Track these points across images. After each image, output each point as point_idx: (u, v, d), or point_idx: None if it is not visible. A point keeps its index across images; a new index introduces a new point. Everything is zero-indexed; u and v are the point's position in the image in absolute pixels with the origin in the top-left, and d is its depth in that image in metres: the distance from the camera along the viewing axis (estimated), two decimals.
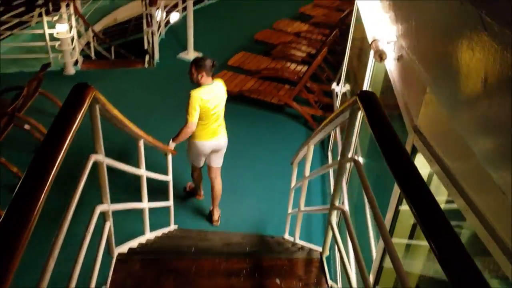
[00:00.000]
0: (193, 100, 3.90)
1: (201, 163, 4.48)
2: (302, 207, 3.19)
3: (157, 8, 7.98)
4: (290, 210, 4.04)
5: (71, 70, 7.67)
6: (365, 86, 3.41)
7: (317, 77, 7.16)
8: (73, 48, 7.73)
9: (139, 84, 7.58)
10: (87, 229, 1.89)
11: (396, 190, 1.96)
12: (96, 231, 2.03)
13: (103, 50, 9.87)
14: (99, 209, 2.06)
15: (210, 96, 3.98)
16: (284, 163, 5.60)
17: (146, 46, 8.16)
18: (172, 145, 4.13)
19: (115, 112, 2.11)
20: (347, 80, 5.28)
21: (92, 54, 8.87)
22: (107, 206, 2.19)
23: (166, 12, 9.30)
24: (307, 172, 3.02)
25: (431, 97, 1.90)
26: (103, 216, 2.23)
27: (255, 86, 6.84)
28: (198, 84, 4.00)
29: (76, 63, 7.91)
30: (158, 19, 8.18)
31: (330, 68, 7.58)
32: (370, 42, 2.76)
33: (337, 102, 5.44)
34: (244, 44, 9.05)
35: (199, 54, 8.44)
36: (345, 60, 5.33)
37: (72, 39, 7.60)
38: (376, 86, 3.29)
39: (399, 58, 2.46)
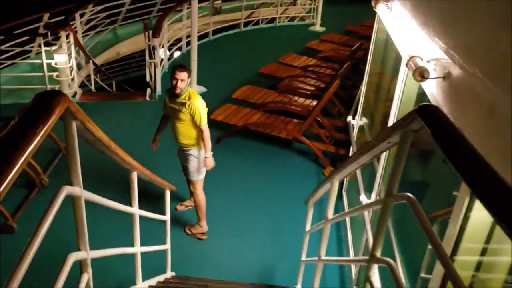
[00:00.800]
0: (203, 104, 4.08)
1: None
2: (323, 256, 2.70)
3: (160, 45, 7.76)
4: (303, 257, 3.53)
5: None
6: (394, 112, 3.00)
7: (327, 111, 6.78)
8: (72, 79, 7.42)
9: (139, 117, 7.21)
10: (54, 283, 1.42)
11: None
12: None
13: (105, 84, 9.60)
14: (72, 257, 1.58)
15: None
16: (293, 202, 5.13)
17: (148, 79, 7.86)
18: (209, 154, 4.21)
19: (99, 133, 1.67)
20: (364, 113, 4.89)
21: (93, 88, 8.57)
22: (85, 254, 1.71)
23: (169, 47, 9.09)
24: (330, 214, 2.55)
25: (504, 119, 1.47)
26: (79, 266, 1.75)
27: (261, 120, 6.45)
28: (176, 91, 4.03)
29: (74, 95, 7.58)
30: (161, 53, 7.93)
31: (341, 102, 7.22)
32: (405, 61, 2.37)
33: (354, 136, 5.02)
34: (249, 78, 8.76)
35: (203, 88, 8.13)
36: (361, 91, 4.96)
37: (71, 70, 7.31)
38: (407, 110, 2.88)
39: (446, 76, 2.05)
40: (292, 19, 12.96)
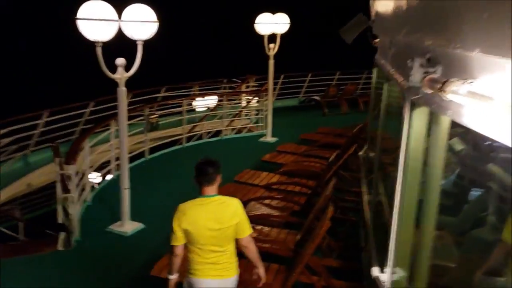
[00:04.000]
0: (174, 216, 3.14)
1: None
2: None
3: (77, 173, 5.84)
4: None
5: None
6: None
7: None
8: None
9: (47, 282, 4.92)
10: None
11: None
12: None
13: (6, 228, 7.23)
14: None
15: (201, 215, 3.11)
16: None
17: (60, 219, 5.71)
18: (172, 277, 3.28)
19: None
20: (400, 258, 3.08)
21: None
22: None
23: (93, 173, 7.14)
24: None
25: None
26: None
27: None
28: None
29: None
30: (77, 181, 5.93)
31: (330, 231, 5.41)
32: None
33: None
34: None
35: (139, 225, 6.08)
36: (394, 223, 3.13)
37: None
38: None
39: None
40: (239, 131, 11.69)
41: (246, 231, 3.25)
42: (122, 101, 5.85)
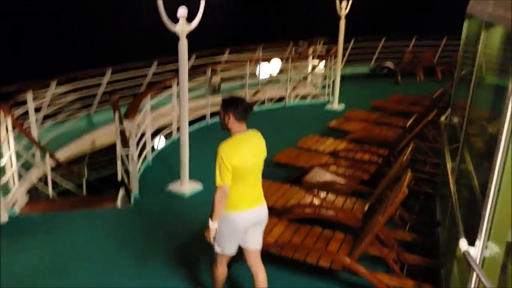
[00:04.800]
0: (222, 155, 3.05)
1: (235, 248, 3.32)
2: None
3: (137, 129, 5.68)
4: None
5: (2, 217, 5.03)
6: None
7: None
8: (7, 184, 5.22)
9: (105, 237, 4.87)
10: None
11: None
12: None
13: (73, 185, 7.36)
14: None
15: (246, 149, 3.14)
16: None
17: (120, 177, 5.64)
18: (212, 225, 3.16)
19: None
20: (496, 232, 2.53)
21: (50, 192, 6.34)
22: None
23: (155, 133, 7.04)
24: None
25: None
26: None
27: (285, 236, 4.10)
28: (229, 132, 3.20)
29: (14, 205, 5.32)
30: (136, 139, 5.78)
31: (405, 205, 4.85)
32: None
33: (472, 283, 2.56)
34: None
35: (197, 185, 5.88)
36: (491, 189, 2.55)
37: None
38: None
39: None
40: (303, 98, 11.15)
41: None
42: (184, 55, 5.55)
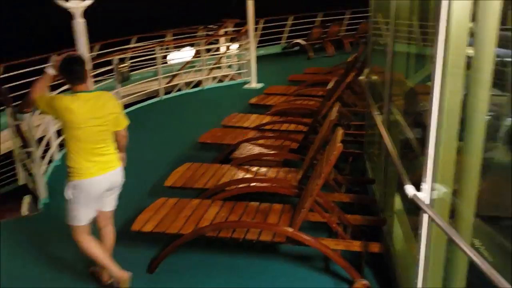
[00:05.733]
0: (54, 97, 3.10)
1: (91, 215, 3.21)
2: None
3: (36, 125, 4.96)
4: None
5: None
6: None
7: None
8: None
9: (12, 248, 4.18)
10: None
11: None
12: None
13: None
14: None
15: (85, 108, 2.99)
16: None
17: (22, 181, 4.90)
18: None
19: None
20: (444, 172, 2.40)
21: None
22: None
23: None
24: None
25: None
26: None
27: (221, 217, 3.77)
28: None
29: None
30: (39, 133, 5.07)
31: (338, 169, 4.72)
32: None
33: (424, 226, 2.42)
34: (185, 153, 6.15)
35: None
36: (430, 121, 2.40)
37: None
38: None
39: None
40: (221, 81, 10.83)
41: (124, 122, 3.30)
42: (81, 38, 4.95)
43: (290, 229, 3.36)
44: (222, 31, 11.74)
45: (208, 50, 11.05)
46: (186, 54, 11.49)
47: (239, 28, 11.67)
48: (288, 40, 14.28)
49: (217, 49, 11.41)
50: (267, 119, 6.57)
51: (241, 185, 4.28)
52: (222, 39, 11.46)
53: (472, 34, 2.25)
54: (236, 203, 3.97)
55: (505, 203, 2.75)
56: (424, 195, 2.45)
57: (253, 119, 6.61)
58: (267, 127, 6.17)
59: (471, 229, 2.48)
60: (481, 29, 2.20)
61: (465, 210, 2.49)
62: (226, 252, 3.84)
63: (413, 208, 2.58)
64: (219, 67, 10.93)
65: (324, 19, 14.75)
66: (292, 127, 6.11)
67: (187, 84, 10.42)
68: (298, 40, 13.77)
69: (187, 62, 10.81)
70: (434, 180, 2.48)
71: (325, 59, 12.97)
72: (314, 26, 14.11)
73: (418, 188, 2.51)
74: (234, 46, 11.19)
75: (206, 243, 3.87)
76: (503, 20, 2.29)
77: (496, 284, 1.59)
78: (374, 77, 5.23)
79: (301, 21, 14.37)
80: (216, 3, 19.73)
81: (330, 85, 6.71)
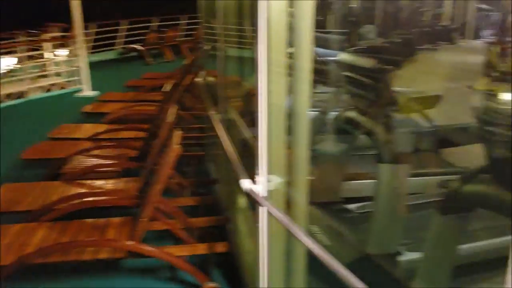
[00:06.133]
0: None
1: None
2: None
3: None
4: None
5: None
6: None
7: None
8: None
9: None
10: None
11: None
12: None
13: None
14: None
15: None
16: None
17: None
18: None
19: None
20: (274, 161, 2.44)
21: None
22: None
23: None
24: None
25: None
26: None
27: (50, 240, 3.32)
28: None
29: None
30: None
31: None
32: None
33: (263, 219, 2.46)
34: (4, 174, 5.33)
35: None
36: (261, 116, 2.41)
37: None
38: None
39: None
40: (49, 91, 9.79)
41: None
42: None
43: (130, 242, 3.11)
44: (48, 36, 10.63)
45: (31, 57, 9.90)
46: (4, 63, 10.09)
47: (67, 34, 10.74)
48: (125, 46, 13.71)
49: (42, 56, 10.29)
50: (103, 127, 6.09)
51: (73, 202, 3.83)
52: (47, 45, 10.36)
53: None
54: (69, 223, 3.54)
55: (332, 188, 2.97)
56: (259, 188, 2.49)
57: (87, 129, 6.07)
58: (104, 136, 5.72)
59: (306, 217, 2.59)
60: (299, 29, 2.31)
61: (299, 199, 2.60)
62: (63, 277, 3.40)
63: (254, 203, 2.60)
64: (45, 76, 9.86)
65: (161, 24, 14.56)
66: (131, 134, 5.77)
67: (8, 96, 9.14)
68: (135, 46, 13.31)
69: (8, 72, 9.50)
70: (269, 172, 2.54)
71: (164, 64, 12.79)
72: (150, 31, 13.80)
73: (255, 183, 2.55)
74: (62, 52, 10.23)
75: (39, 272, 3.37)
76: (324, 24, 2.45)
77: (327, 266, 1.64)
78: (211, 80, 5.28)
79: (136, 26, 13.92)
80: (35, 7, 17.89)
81: (165, 88, 6.57)
